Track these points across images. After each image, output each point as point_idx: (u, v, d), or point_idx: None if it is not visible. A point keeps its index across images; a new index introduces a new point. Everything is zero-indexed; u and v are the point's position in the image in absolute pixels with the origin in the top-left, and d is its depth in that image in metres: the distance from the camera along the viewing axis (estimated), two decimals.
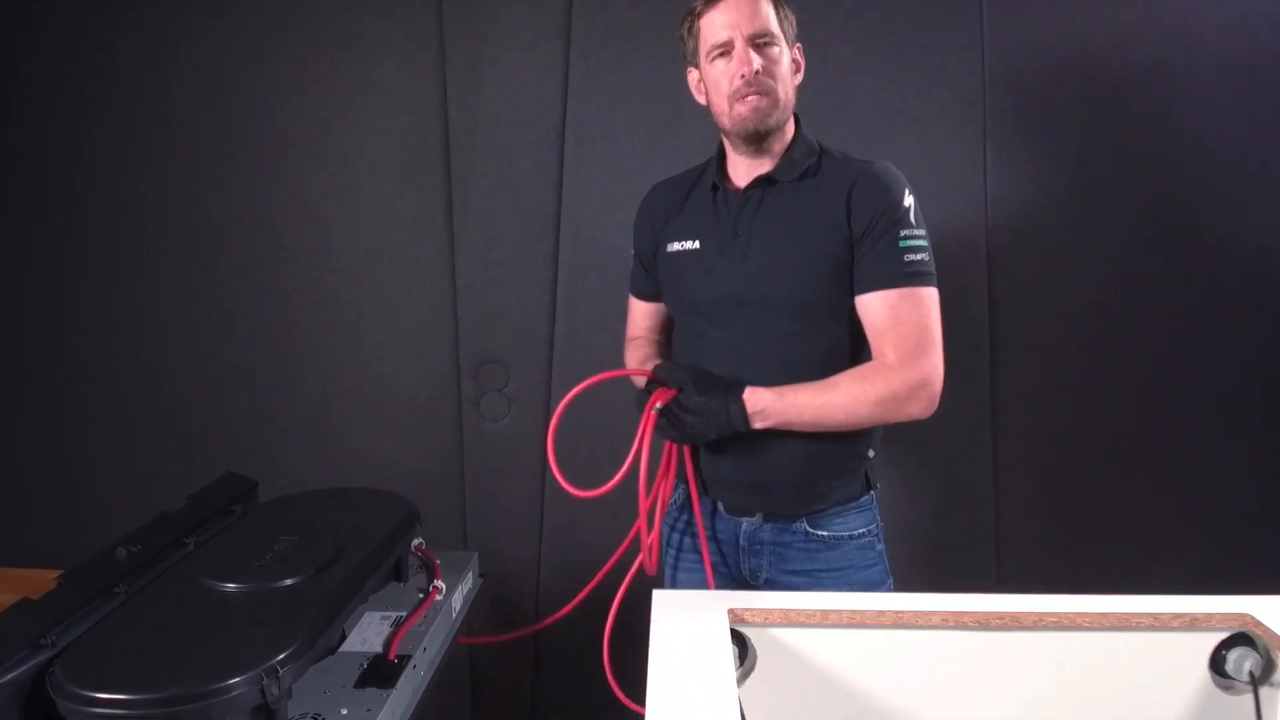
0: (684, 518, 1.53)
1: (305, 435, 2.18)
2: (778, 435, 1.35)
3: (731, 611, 1.17)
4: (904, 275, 1.33)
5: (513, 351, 2.14)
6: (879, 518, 1.49)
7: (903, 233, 1.33)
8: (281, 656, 0.98)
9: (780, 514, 1.44)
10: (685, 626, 1.13)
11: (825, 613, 1.18)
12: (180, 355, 2.18)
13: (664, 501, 1.50)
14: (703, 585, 1.50)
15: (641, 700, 0.97)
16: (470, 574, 1.50)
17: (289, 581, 1.16)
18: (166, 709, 0.92)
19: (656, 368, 1.45)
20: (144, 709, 0.91)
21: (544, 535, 2.21)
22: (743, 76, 1.34)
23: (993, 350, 2.03)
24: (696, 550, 1.51)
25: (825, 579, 1.42)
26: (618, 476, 1.35)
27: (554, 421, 1.37)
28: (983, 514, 2.11)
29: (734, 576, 1.49)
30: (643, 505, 1.39)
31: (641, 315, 1.63)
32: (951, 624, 1.17)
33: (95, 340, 2.20)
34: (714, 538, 1.50)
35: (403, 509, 1.43)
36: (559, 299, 2.11)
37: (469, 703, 2.26)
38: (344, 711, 1.08)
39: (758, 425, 1.34)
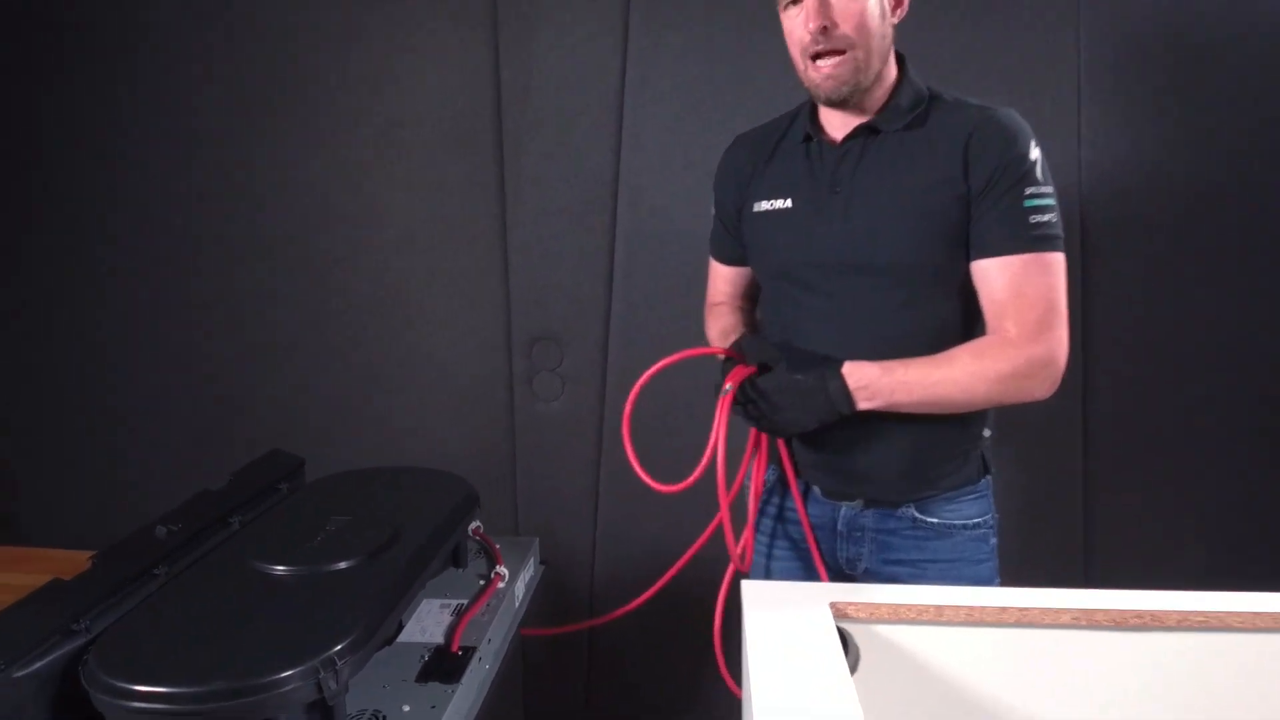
0: (776, 500, 1.40)
1: (349, 414, 2.08)
2: (881, 415, 1.21)
3: (833, 606, 1.05)
4: (1029, 239, 1.17)
5: (567, 328, 2.02)
6: (995, 507, 1.35)
7: (1028, 190, 1.17)
8: (339, 647, 0.88)
9: (884, 499, 1.31)
10: (784, 622, 1.01)
11: (939, 608, 1.05)
12: (220, 330, 2.09)
13: (756, 491, 1.38)
14: (796, 576, 1.38)
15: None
16: (531, 560, 1.39)
17: (343, 565, 1.06)
18: (213, 704, 0.81)
19: (738, 340, 1.33)
20: (188, 703, 0.81)
21: (599, 523, 2.09)
22: (811, 31, 1.19)
23: (1085, 331, 1.88)
24: (790, 537, 1.38)
25: (931, 570, 1.28)
26: (698, 469, 1.24)
27: (628, 408, 1.25)
28: (1070, 506, 1.97)
29: (828, 565, 1.36)
30: (723, 499, 1.25)
31: (724, 280, 1.49)
32: (1083, 623, 1.04)
33: (133, 315, 2.11)
34: (810, 524, 1.37)
35: (461, 490, 1.32)
36: (616, 272, 1.99)
37: (521, 699, 2.15)
38: (406, 708, 0.98)
39: (863, 406, 1.19)
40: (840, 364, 1.20)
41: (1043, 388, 1.19)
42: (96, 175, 2.07)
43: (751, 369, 1.25)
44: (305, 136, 2.01)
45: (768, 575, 1.41)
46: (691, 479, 1.24)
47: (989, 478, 1.34)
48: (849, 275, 1.25)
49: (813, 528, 1.35)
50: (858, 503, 1.32)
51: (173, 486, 1.27)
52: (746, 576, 1.33)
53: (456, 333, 2.04)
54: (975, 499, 1.31)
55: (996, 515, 1.35)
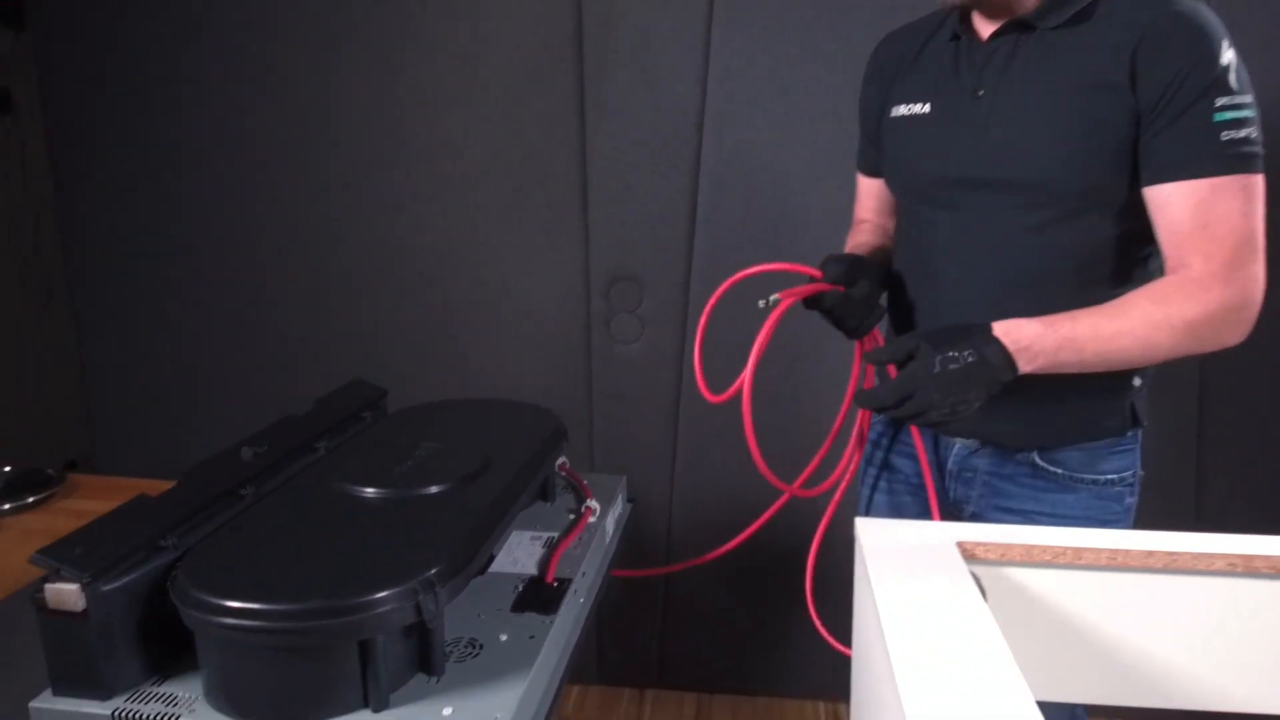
0: (889, 433, 1.31)
1: (424, 354, 2.04)
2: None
3: (960, 546, 0.96)
4: (1221, 159, 1.00)
5: (648, 268, 1.95)
6: (1140, 464, 1.21)
7: (1219, 101, 0.99)
8: (438, 568, 0.82)
9: (1005, 441, 1.20)
10: (910, 564, 0.92)
11: (1078, 551, 0.96)
12: (294, 270, 2.06)
13: (864, 423, 1.30)
14: (902, 514, 1.30)
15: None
16: (619, 497, 1.33)
17: (434, 490, 1.00)
18: (309, 622, 0.76)
19: (826, 260, 1.19)
20: (283, 620, 0.76)
21: (676, 469, 2.03)
22: None
23: None
24: (901, 472, 1.30)
25: (1046, 525, 1.17)
26: (743, 381, 1.09)
27: (702, 323, 1.16)
28: (1183, 465, 1.85)
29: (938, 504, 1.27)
30: (748, 419, 1.10)
31: (868, 195, 1.37)
32: (1240, 569, 0.94)
33: (208, 252, 2.09)
34: (914, 456, 1.28)
35: (550, 423, 1.26)
36: (700, 210, 1.91)
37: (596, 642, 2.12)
38: (503, 638, 0.92)
39: (1025, 369, 1.03)
40: (988, 328, 1.04)
41: (1235, 334, 1.04)
42: (172, 107, 2.03)
43: (815, 287, 1.14)
44: (381, 69, 1.95)
45: (869, 511, 1.33)
46: (733, 390, 1.12)
47: (1138, 431, 1.20)
48: (986, 193, 1.11)
49: (928, 462, 1.26)
50: (973, 441, 1.22)
51: (247, 427, 1.23)
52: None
53: (534, 272, 1.98)
54: (1115, 453, 1.18)
55: (1141, 472, 1.21)
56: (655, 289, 1.96)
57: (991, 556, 0.97)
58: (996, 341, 1.03)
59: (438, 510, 0.96)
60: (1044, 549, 0.96)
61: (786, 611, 2.06)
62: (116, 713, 0.80)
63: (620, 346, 1.99)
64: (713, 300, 1.15)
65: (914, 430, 1.25)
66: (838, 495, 1.34)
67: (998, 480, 1.21)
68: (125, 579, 0.82)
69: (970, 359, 1.02)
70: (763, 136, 1.84)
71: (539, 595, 1.00)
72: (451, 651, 0.89)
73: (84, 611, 0.79)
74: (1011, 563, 0.97)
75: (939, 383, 1.03)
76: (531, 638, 0.92)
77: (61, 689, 0.81)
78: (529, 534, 1.16)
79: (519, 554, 1.11)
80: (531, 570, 1.07)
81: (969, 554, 0.96)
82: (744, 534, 1.42)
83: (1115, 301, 1.05)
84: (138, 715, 0.80)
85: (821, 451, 1.37)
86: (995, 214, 1.11)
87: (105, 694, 0.81)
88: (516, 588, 1.02)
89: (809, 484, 1.30)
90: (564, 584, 1.03)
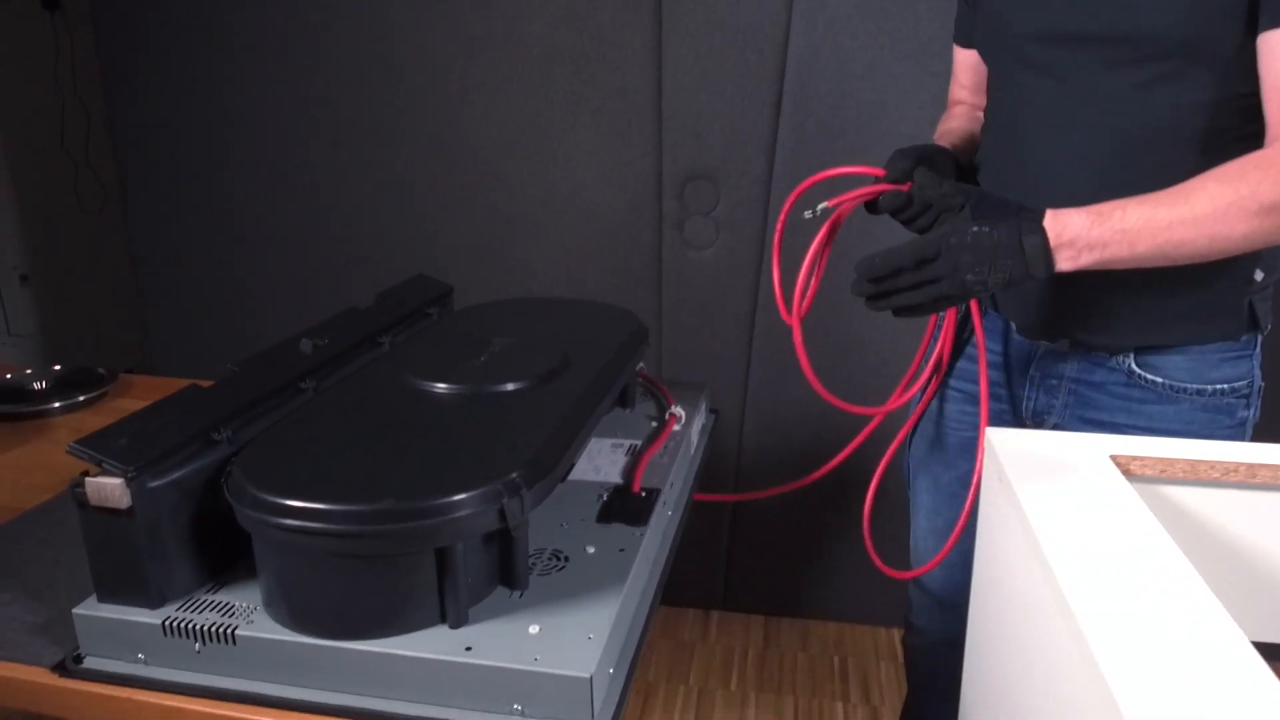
0: (964, 334, 1.18)
1: (483, 253, 1.93)
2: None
3: (1114, 459, 0.84)
4: None
5: (725, 166, 1.80)
6: (1259, 371, 1.06)
7: None
8: (522, 470, 0.72)
9: (1096, 343, 1.05)
10: (1058, 479, 0.80)
11: (1253, 468, 0.83)
12: (351, 169, 1.95)
13: (945, 347, 1.17)
14: (969, 424, 1.18)
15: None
16: (703, 406, 1.22)
17: (511, 387, 0.90)
18: (382, 525, 0.67)
19: (892, 156, 1.05)
20: (351, 523, 0.67)
21: (750, 385, 1.91)
22: None
23: None
24: (962, 377, 1.17)
25: None
26: (805, 290, 1.02)
27: (779, 225, 1.05)
28: None
29: (1010, 414, 1.15)
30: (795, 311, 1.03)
31: (963, 70, 1.23)
32: None
33: (263, 148, 1.98)
34: (994, 362, 1.15)
35: (630, 324, 1.15)
36: (785, 100, 1.74)
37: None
38: (590, 549, 0.83)
39: (1065, 266, 0.89)
40: (1040, 214, 0.90)
41: None
42: (222, 3, 1.92)
43: (873, 189, 1.01)
44: None
45: (939, 420, 1.21)
46: (803, 307, 1.04)
47: (1257, 336, 1.05)
48: (1086, 48, 0.96)
49: (1002, 366, 1.13)
50: (1062, 343, 1.07)
51: (309, 321, 1.14)
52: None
53: (602, 169, 1.85)
54: (1228, 360, 1.03)
55: (1261, 382, 1.06)
56: (732, 189, 1.81)
57: (1149, 472, 0.84)
58: (1041, 231, 0.89)
59: (517, 409, 0.86)
60: (1212, 465, 0.84)
61: (855, 537, 1.96)
62: (168, 622, 0.72)
63: (693, 252, 1.86)
64: (788, 203, 1.04)
65: (979, 330, 1.11)
66: (911, 420, 1.23)
67: (1086, 389, 1.07)
68: (175, 474, 0.73)
69: (1003, 239, 0.88)
70: (857, 18, 1.66)
71: (626, 505, 0.90)
72: (534, 564, 0.80)
73: (129, 509, 0.70)
74: (1173, 480, 0.85)
75: (963, 252, 0.89)
76: (621, 551, 0.83)
77: (107, 595, 0.74)
78: (609, 441, 1.06)
79: (600, 462, 1.01)
80: (615, 479, 0.96)
81: (1123, 469, 0.84)
82: (835, 460, 1.31)
83: (1181, 186, 0.89)
84: (190, 626, 0.71)
85: (910, 370, 1.24)
86: (1096, 73, 0.96)
87: (155, 601, 0.73)
88: (601, 497, 0.93)
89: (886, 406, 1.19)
90: (652, 494, 0.93)
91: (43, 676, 0.74)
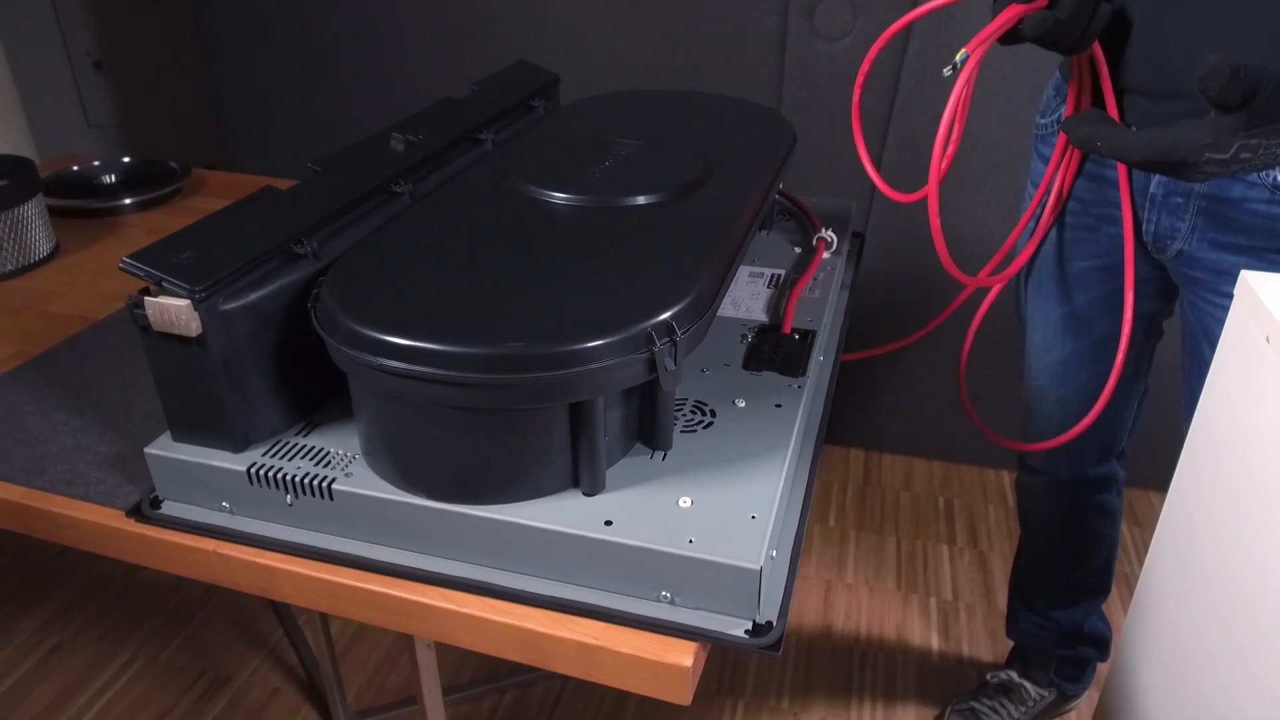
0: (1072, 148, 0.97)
1: (578, 40, 1.71)
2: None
3: None
4: None
5: None
6: None
7: None
8: (676, 309, 0.57)
9: None
10: None
11: None
12: None
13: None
14: (1086, 252, 0.99)
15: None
16: (848, 230, 1.04)
17: (645, 200, 0.74)
18: (504, 374, 0.53)
19: None
20: (469, 369, 0.53)
21: (874, 209, 1.71)
22: None
23: None
24: (1082, 200, 0.97)
25: None
26: (941, 158, 0.82)
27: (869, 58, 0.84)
28: None
29: (1125, 239, 0.96)
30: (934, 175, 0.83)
31: None
32: None
33: None
34: (1102, 178, 0.95)
35: (777, 125, 0.96)
36: None
37: None
38: (741, 403, 0.69)
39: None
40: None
41: None
42: None
43: (1010, 14, 0.77)
44: None
45: (1057, 250, 1.02)
46: (940, 174, 0.84)
47: None
48: None
49: (1115, 182, 0.93)
50: None
51: (390, 121, 0.98)
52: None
53: None
54: None
55: None
56: None
57: None
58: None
59: (656, 228, 0.70)
60: None
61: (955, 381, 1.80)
62: (254, 469, 0.61)
63: (823, 43, 1.61)
64: (870, 57, 0.86)
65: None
66: (1026, 251, 1.05)
67: (1221, 206, 0.85)
68: (252, 295, 0.60)
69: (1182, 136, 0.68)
70: None
71: (779, 350, 0.75)
72: (676, 418, 0.67)
73: (200, 337, 0.58)
74: None
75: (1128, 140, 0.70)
76: (778, 406, 0.68)
77: (182, 433, 0.63)
78: (746, 269, 0.90)
79: (739, 294, 0.85)
80: (760, 316, 0.81)
81: None
82: (944, 314, 1.15)
83: None
84: (279, 474, 0.61)
85: (1014, 234, 1.05)
86: None
87: (238, 444, 0.62)
88: (744, 338, 0.78)
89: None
90: (807, 337, 0.78)
91: (117, 520, 0.64)
